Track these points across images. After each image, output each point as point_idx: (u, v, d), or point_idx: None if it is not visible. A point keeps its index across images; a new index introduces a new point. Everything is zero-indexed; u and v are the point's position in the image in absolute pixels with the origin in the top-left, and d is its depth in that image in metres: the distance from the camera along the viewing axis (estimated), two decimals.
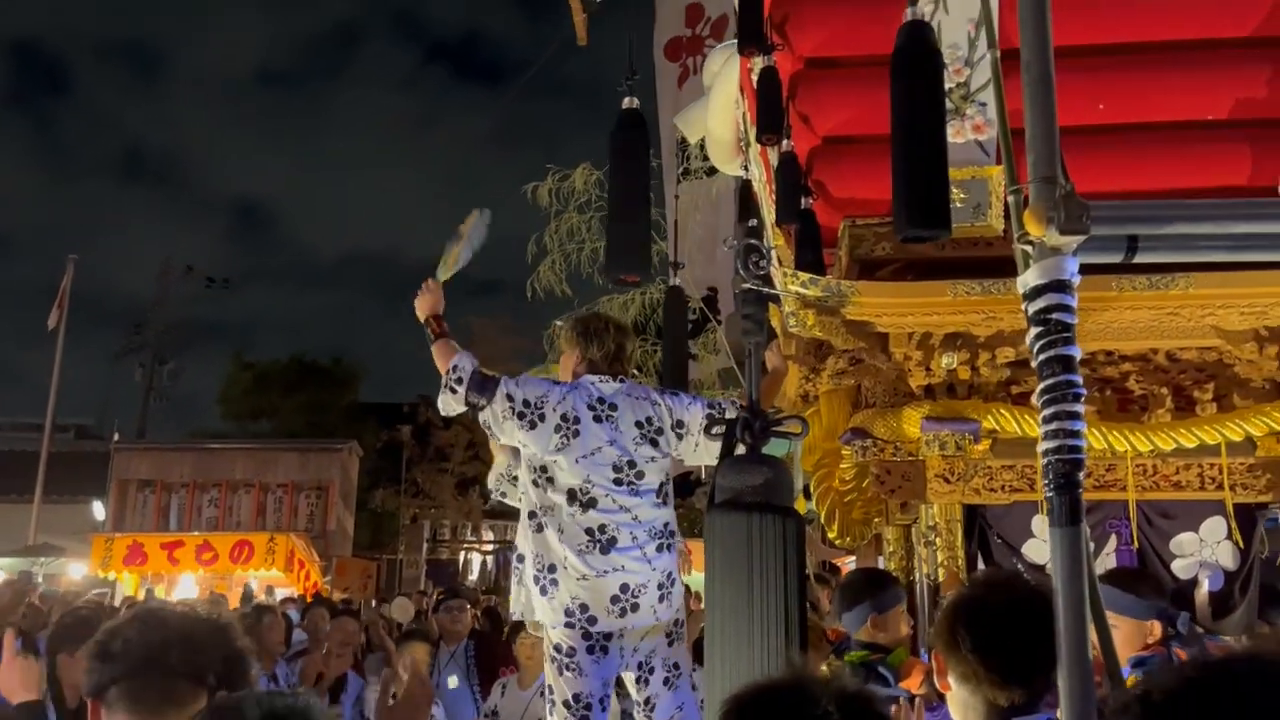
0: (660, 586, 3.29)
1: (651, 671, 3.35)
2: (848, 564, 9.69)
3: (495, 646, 6.72)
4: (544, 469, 3.36)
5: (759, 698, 1.33)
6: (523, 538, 3.44)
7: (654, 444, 3.36)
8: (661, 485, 3.37)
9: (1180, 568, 3.42)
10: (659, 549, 3.30)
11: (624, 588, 3.24)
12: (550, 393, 3.39)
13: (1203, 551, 3.45)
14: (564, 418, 3.34)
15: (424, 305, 3.62)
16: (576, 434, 3.33)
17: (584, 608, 3.24)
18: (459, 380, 3.42)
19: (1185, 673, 0.84)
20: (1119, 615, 2.82)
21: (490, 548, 24.03)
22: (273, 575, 16.30)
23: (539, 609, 3.35)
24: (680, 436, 3.39)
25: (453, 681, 6.22)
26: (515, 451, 3.71)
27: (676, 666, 3.39)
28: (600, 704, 3.28)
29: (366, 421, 28.28)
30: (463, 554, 26.16)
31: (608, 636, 3.27)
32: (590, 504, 3.29)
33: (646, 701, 3.36)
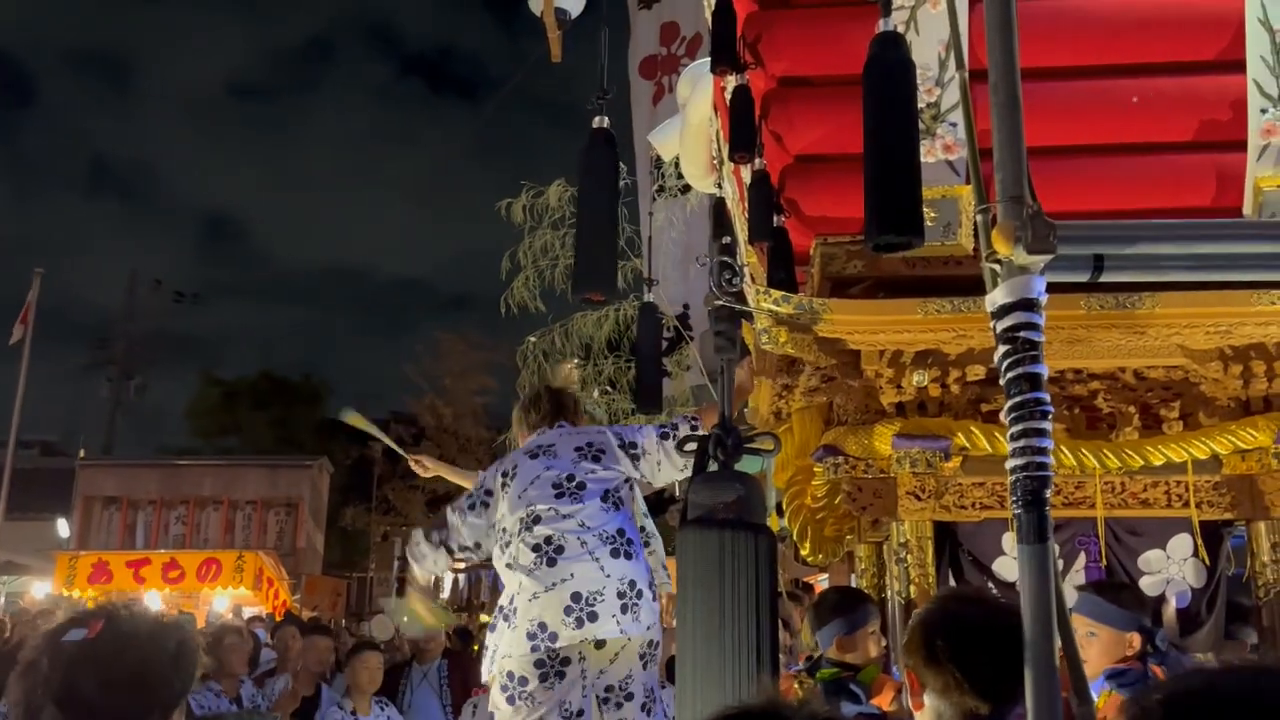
0: (621, 595, 3.22)
1: (630, 697, 3.28)
2: (820, 581, 9.72)
3: (468, 665, 6.69)
4: (503, 529, 3.45)
5: None
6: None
7: (596, 459, 3.42)
8: (609, 492, 3.37)
9: (1148, 584, 3.45)
10: (614, 555, 3.25)
11: (575, 596, 3.19)
12: (486, 475, 3.65)
13: (1170, 569, 3.48)
14: (504, 473, 3.53)
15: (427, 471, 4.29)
16: (515, 476, 3.47)
17: (543, 626, 3.20)
18: (416, 543, 3.67)
19: (1209, 679, 0.84)
20: (1100, 624, 2.85)
21: (462, 566, 23.89)
22: (241, 594, 16.11)
23: (504, 642, 3.31)
24: (637, 458, 3.47)
25: (424, 700, 6.18)
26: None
27: (652, 691, 3.35)
28: None
29: (336, 438, 28.09)
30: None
31: (564, 661, 3.21)
32: (534, 521, 3.33)
33: None
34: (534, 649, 3.20)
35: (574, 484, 3.35)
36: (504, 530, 3.45)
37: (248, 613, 13.89)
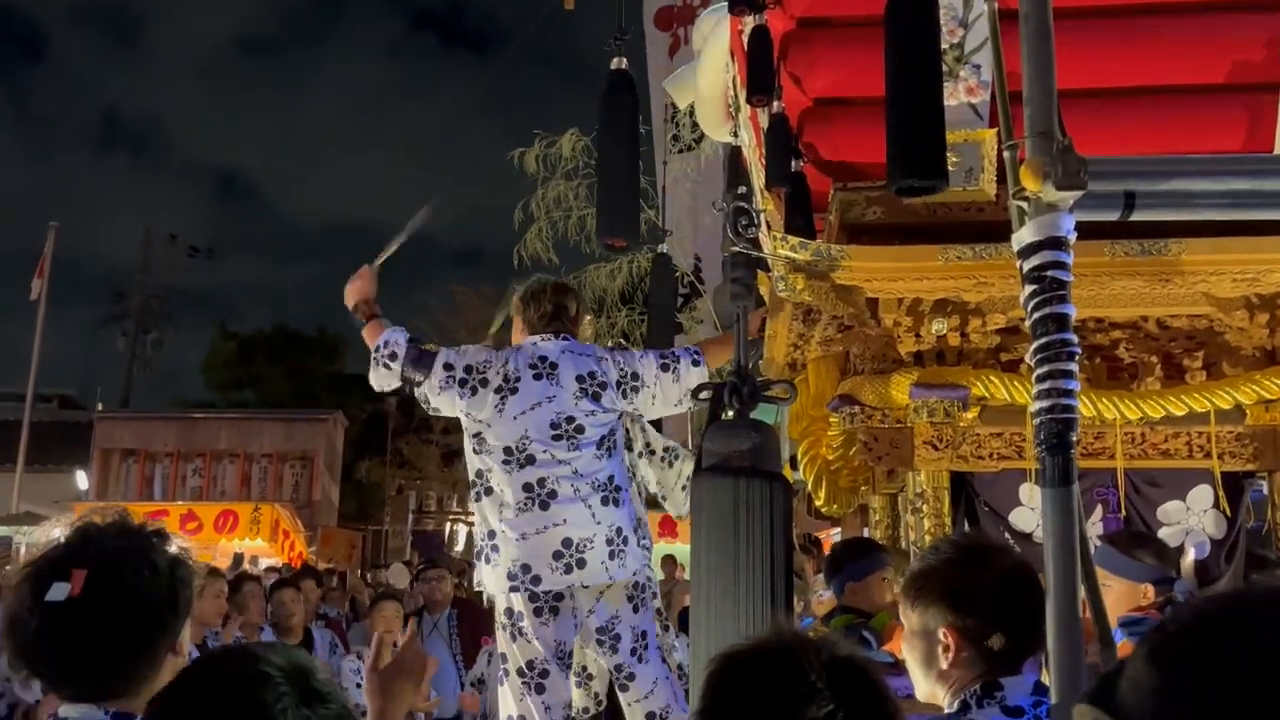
0: (609, 542, 3.21)
1: (618, 640, 3.26)
2: (832, 536, 9.73)
3: (478, 615, 6.74)
4: (479, 435, 3.34)
5: (747, 665, 1.27)
6: (473, 506, 3.43)
7: (595, 399, 3.33)
8: (604, 439, 3.31)
9: (1167, 536, 3.42)
10: (604, 502, 3.23)
11: (566, 542, 3.17)
12: (493, 358, 3.40)
13: (1189, 520, 3.44)
14: (505, 379, 3.34)
15: (352, 292, 3.60)
16: (515, 391, 3.31)
17: (526, 568, 3.18)
18: (391, 355, 3.39)
19: (1199, 605, 0.80)
20: (1114, 575, 2.83)
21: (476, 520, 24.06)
22: (258, 545, 16.28)
23: (486, 579, 3.30)
24: (635, 390, 3.38)
25: (435, 650, 6.24)
26: None
27: (644, 635, 3.32)
28: (559, 668, 3.20)
29: (351, 392, 28.20)
30: (448, 525, 26.20)
31: (557, 597, 3.20)
32: (528, 460, 3.25)
33: (618, 669, 3.30)
34: (513, 589, 3.19)
35: (572, 426, 3.28)
36: (478, 436, 3.32)
37: (264, 564, 14.04)
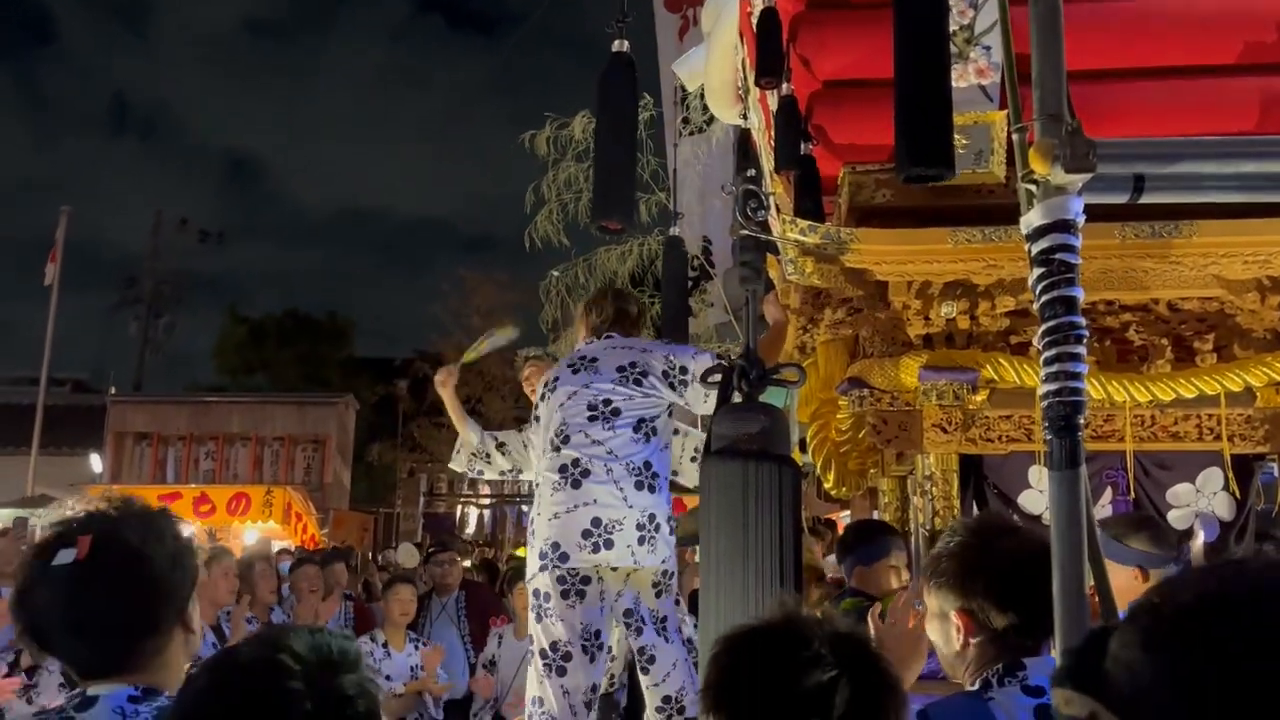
0: (640, 527, 3.21)
1: (644, 622, 3.30)
2: (842, 518, 9.74)
3: (487, 597, 6.78)
4: (543, 438, 3.45)
5: (751, 639, 1.30)
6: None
7: (637, 384, 3.34)
8: (641, 422, 3.31)
9: (1176, 518, 3.42)
10: (638, 486, 3.23)
11: (595, 521, 3.19)
12: (539, 386, 3.61)
13: (1199, 502, 3.44)
14: (546, 383, 3.50)
15: (439, 385, 4.08)
16: (554, 389, 3.42)
17: (555, 545, 3.21)
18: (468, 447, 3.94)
19: (1191, 582, 0.80)
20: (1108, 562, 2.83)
21: (487, 501, 24.14)
22: (270, 528, 16.36)
23: (527, 560, 3.38)
24: (684, 383, 3.35)
25: (444, 632, 6.28)
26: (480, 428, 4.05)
27: (664, 620, 3.34)
28: (584, 651, 3.20)
29: (362, 376, 28.31)
30: (459, 507, 26.29)
31: (584, 580, 3.22)
32: (564, 441, 3.31)
33: (641, 652, 3.33)
34: (543, 568, 3.22)
35: (609, 408, 3.30)
36: (537, 438, 3.51)
37: (276, 546, 14.12)
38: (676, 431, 3.87)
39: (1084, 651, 0.82)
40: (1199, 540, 3.42)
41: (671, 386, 3.35)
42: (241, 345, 31.73)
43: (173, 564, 1.55)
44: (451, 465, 4.21)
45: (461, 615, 6.43)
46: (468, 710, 5.89)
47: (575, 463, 3.25)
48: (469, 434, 4.00)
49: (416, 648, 5.64)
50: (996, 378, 3.36)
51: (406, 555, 9.96)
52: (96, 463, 20.67)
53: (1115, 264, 3.16)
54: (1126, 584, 2.84)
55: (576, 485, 3.23)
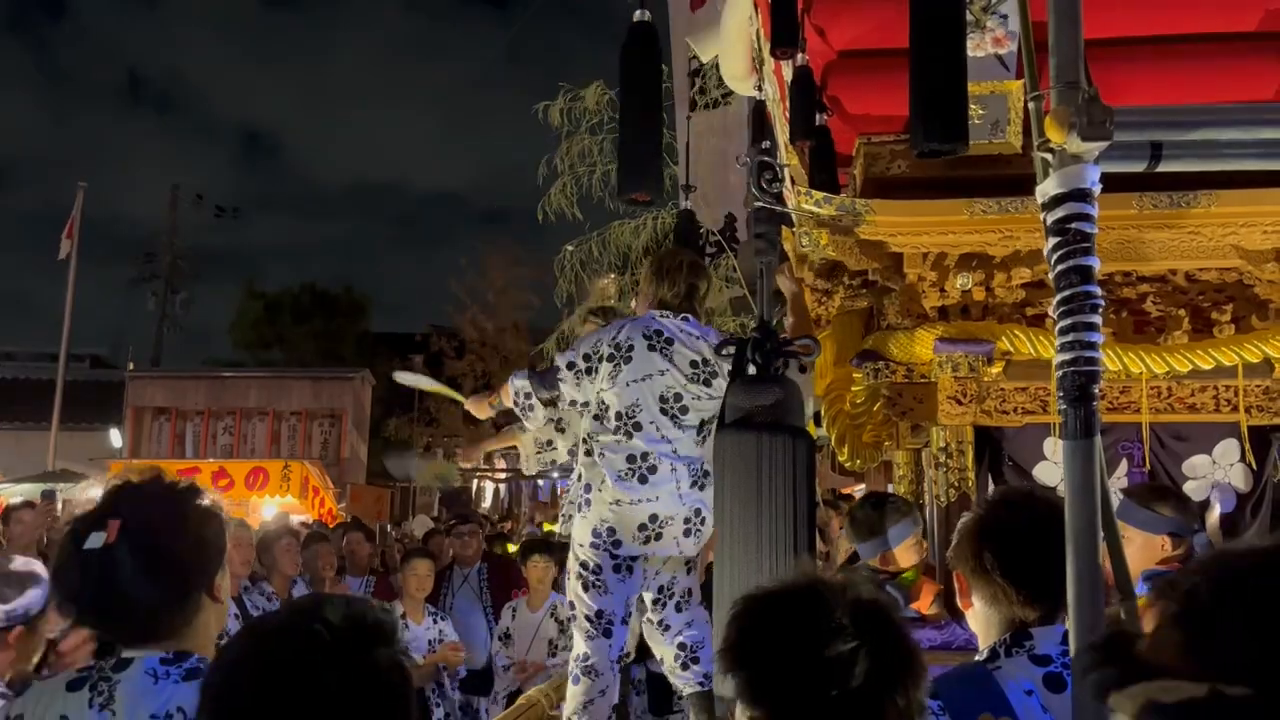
0: (687, 521, 3.34)
1: (671, 596, 3.46)
2: (857, 491, 9.75)
3: (508, 570, 6.83)
4: (601, 402, 3.41)
5: (774, 603, 1.30)
6: (577, 462, 3.57)
7: (706, 384, 3.36)
8: (703, 424, 3.36)
9: (1192, 489, 3.41)
10: (693, 485, 3.34)
11: (653, 517, 3.30)
12: (602, 336, 3.45)
13: (1215, 474, 3.43)
14: (618, 347, 3.38)
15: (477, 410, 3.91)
16: (629, 360, 3.36)
17: (611, 531, 3.31)
18: (526, 396, 3.55)
19: (1221, 563, 0.81)
20: (1130, 527, 2.83)
21: (503, 476, 24.26)
22: (288, 502, 16.50)
23: (575, 528, 3.45)
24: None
25: (465, 603, 6.34)
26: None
27: (689, 592, 3.50)
28: (622, 621, 3.38)
29: (378, 351, 28.39)
30: (475, 482, 26.43)
31: (633, 558, 3.35)
32: (635, 428, 3.33)
33: (660, 622, 3.47)
34: (595, 546, 3.32)
35: (679, 406, 3.33)
36: (601, 403, 3.38)
37: (294, 520, 14.24)
38: None
39: (1112, 650, 0.83)
40: (1215, 511, 3.42)
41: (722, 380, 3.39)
42: (258, 320, 31.86)
43: (199, 542, 1.63)
44: (527, 471, 4.27)
45: (484, 586, 6.49)
46: (488, 680, 5.95)
47: (644, 456, 3.30)
48: (523, 438, 4.04)
49: (435, 621, 5.69)
50: (1012, 349, 3.34)
51: (421, 525, 10.04)
52: (116, 438, 20.86)
53: (1133, 234, 3.14)
54: (1153, 551, 2.85)
55: (644, 481, 3.29)
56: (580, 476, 3.49)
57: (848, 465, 4.40)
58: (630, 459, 3.30)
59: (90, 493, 1.71)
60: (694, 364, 3.36)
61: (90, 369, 27.09)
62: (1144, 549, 2.86)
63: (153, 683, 1.53)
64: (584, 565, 3.36)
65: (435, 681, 5.59)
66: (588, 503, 3.38)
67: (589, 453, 3.42)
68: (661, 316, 3.43)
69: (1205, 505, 3.41)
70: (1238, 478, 3.43)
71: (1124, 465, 3.50)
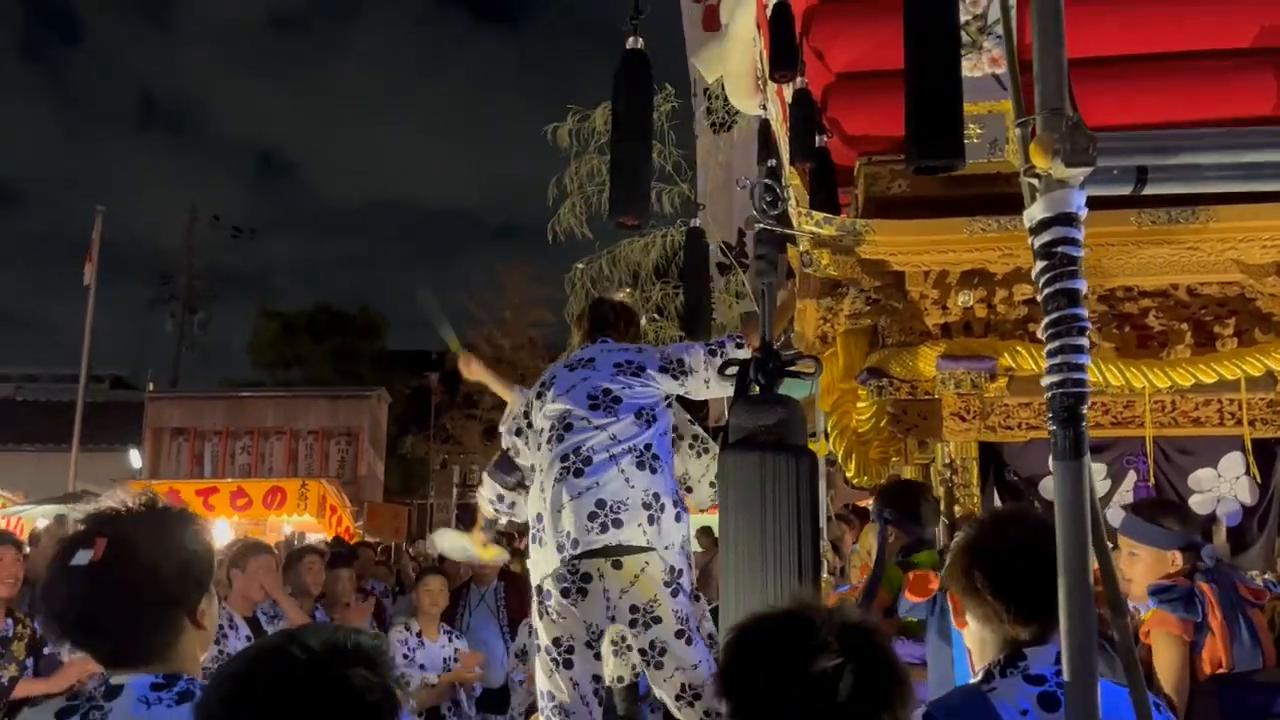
0: (648, 506, 3.22)
1: (657, 621, 3.21)
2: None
3: (525, 587, 6.83)
4: (539, 431, 3.49)
5: (761, 626, 1.37)
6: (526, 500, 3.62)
7: (635, 376, 3.40)
8: (643, 409, 3.35)
9: (1198, 503, 3.42)
10: (640, 466, 3.26)
11: (600, 503, 3.21)
12: (526, 391, 3.73)
13: (1220, 487, 3.44)
14: (542, 384, 3.57)
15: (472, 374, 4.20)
16: (552, 385, 3.49)
17: (568, 534, 3.25)
18: (499, 498, 3.80)
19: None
20: (1140, 544, 2.82)
21: None
22: (305, 521, 16.57)
23: (540, 562, 3.39)
24: (685, 374, 3.41)
25: (482, 621, 6.36)
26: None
27: (687, 620, 3.28)
28: (586, 646, 3.23)
29: (394, 369, 28.58)
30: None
31: (585, 578, 3.23)
32: (566, 429, 3.35)
33: (652, 646, 3.22)
34: (562, 560, 3.26)
35: (609, 397, 3.34)
36: (539, 432, 3.49)
37: (312, 539, 14.30)
38: (708, 449, 3.81)
39: None
40: (1221, 525, 3.42)
41: (674, 377, 3.41)
42: (275, 340, 32.08)
43: (184, 568, 1.64)
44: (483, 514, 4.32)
45: (500, 605, 6.51)
46: (505, 699, 5.97)
47: (576, 450, 3.28)
48: (514, 396, 3.95)
49: (451, 639, 5.72)
50: (1014, 365, 3.37)
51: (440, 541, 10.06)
52: (135, 458, 20.99)
53: (1132, 249, 3.16)
54: (1164, 567, 2.82)
55: (579, 474, 3.26)
56: (533, 516, 3.50)
57: (855, 482, 4.42)
58: (564, 457, 3.30)
59: (88, 510, 1.74)
60: (618, 364, 3.44)
61: (110, 390, 27.36)
62: (1155, 565, 2.84)
63: (145, 709, 1.54)
64: (537, 590, 3.37)
65: (452, 699, 5.62)
66: (543, 529, 3.38)
67: (533, 482, 3.51)
68: (580, 349, 3.66)
69: (1211, 519, 3.42)
70: (1243, 491, 3.44)
71: (1130, 478, 3.51)
